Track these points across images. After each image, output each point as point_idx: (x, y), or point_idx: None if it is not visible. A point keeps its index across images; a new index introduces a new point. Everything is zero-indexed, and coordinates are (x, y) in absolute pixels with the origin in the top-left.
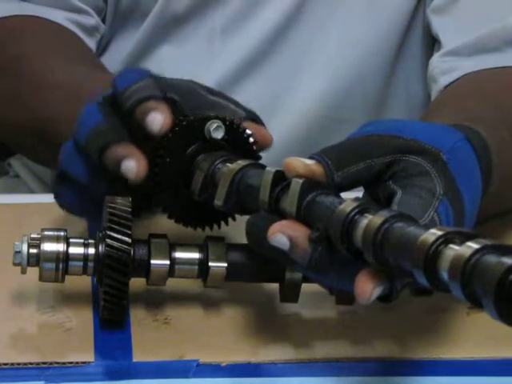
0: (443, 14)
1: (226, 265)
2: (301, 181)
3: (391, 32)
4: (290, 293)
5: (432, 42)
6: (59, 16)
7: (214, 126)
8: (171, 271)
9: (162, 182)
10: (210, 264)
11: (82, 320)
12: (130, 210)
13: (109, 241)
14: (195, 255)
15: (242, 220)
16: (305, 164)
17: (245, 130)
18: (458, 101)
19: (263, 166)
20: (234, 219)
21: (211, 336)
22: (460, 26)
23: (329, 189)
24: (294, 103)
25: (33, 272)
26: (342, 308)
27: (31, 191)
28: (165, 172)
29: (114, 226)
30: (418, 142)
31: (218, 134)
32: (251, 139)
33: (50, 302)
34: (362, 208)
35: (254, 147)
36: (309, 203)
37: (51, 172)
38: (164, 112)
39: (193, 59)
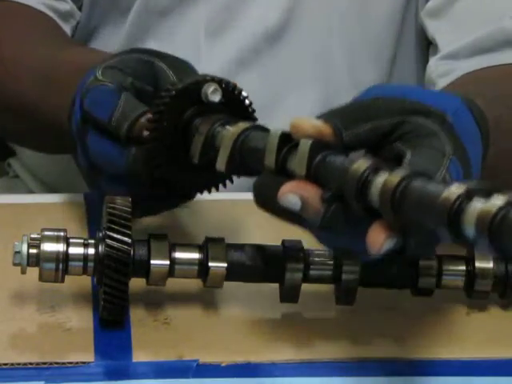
0: (439, 17)
1: (225, 265)
2: (310, 141)
3: (383, 37)
4: (290, 293)
5: (426, 46)
6: (33, 0)
7: (211, 88)
8: (171, 271)
9: (159, 147)
10: (210, 264)
11: (82, 320)
12: (129, 210)
13: (109, 241)
14: (195, 255)
15: (241, 219)
16: (313, 124)
17: (240, 92)
18: (456, 86)
19: (264, 128)
20: (231, 182)
21: (211, 336)
22: (457, 29)
23: (337, 149)
24: (286, 106)
25: (33, 272)
26: (341, 308)
27: (31, 191)
28: (162, 136)
29: (113, 226)
30: (424, 104)
31: (216, 97)
32: (247, 101)
33: (50, 302)
34: (377, 166)
35: (250, 109)
36: (319, 163)
37: (51, 172)
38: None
39: (180, 55)
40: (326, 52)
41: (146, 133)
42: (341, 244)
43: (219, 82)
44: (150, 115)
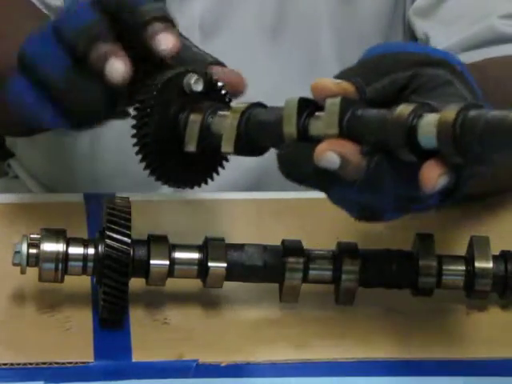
0: (428, 17)
1: (225, 265)
2: (338, 99)
3: (372, 33)
4: (290, 293)
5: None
6: None
7: (194, 79)
8: (171, 271)
9: (152, 143)
10: (210, 264)
11: (82, 320)
12: (129, 210)
13: (108, 241)
14: (195, 255)
15: (241, 219)
16: (335, 83)
17: (217, 82)
18: None
19: (263, 105)
20: (223, 167)
21: (211, 336)
22: (446, 29)
23: (362, 105)
24: (281, 102)
25: (32, 272)
26: (341, 308)
27: (30, 192)
28: (154, 131)
29: (113, 226)
30: (433, 56)
31: (198, 87)
32: (223, 91)
33: (50, 301)
34: (419, 109)
35: (227, 98)
36: (350, 119)
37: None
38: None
39: None
40: (315, 48)
41: (124, 69)
42: (377, 200)
43: (198, 72)
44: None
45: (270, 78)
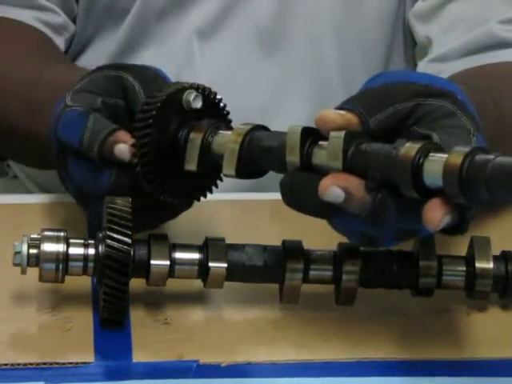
0: (429, 21)
1: (226, 265)
2: (342, 133)
3: (375, 36)
4: (290, 293)
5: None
6: (26, 15)
7: (193, 96)
8: (171, 272)
9: (151, 162)
10: (210, 264)
11: (82, 320)
12: (130, 210)
13: (109, 241)
14: (195, 255)
15: (241, 219)
16: (340, 114)
17: (216, 95)
18: None
19: (265, 128)
20: (221, 180)
21: (211, 336)
22: (446, 33)
23: (365, 138)
24: (283, 106)
25: (33, 272)
26: (342, 308)
27: (29, 192)
28: (154, 149)
29: (113, 226)
30: (434, 86)
31: (198, 104)
32: (221, 104)
33: (50, 302)
34: (425, 149)
35: (225, 112)
36: (354, 153)
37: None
38: (125, 139)
39: (174, 60)
40: (317, 52)
41: (128, 149)
42: (380, 233)
43: (196, 88)
44: (121, 132)
45: (268, 82)
